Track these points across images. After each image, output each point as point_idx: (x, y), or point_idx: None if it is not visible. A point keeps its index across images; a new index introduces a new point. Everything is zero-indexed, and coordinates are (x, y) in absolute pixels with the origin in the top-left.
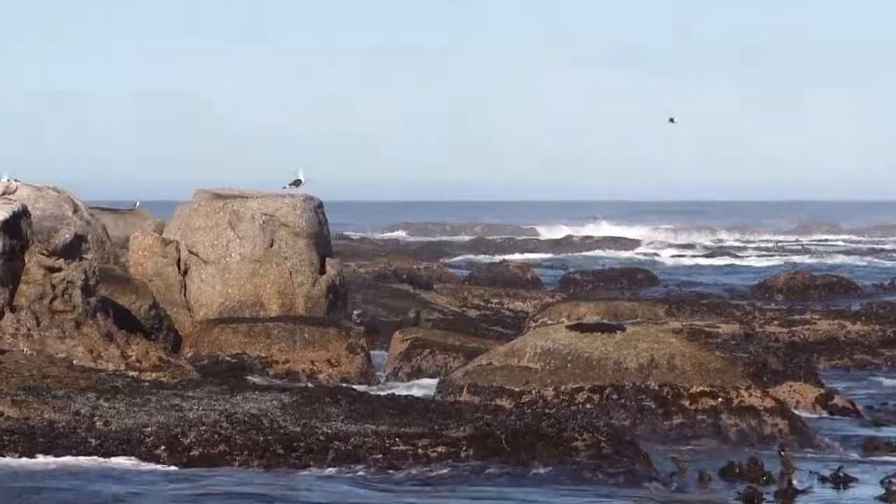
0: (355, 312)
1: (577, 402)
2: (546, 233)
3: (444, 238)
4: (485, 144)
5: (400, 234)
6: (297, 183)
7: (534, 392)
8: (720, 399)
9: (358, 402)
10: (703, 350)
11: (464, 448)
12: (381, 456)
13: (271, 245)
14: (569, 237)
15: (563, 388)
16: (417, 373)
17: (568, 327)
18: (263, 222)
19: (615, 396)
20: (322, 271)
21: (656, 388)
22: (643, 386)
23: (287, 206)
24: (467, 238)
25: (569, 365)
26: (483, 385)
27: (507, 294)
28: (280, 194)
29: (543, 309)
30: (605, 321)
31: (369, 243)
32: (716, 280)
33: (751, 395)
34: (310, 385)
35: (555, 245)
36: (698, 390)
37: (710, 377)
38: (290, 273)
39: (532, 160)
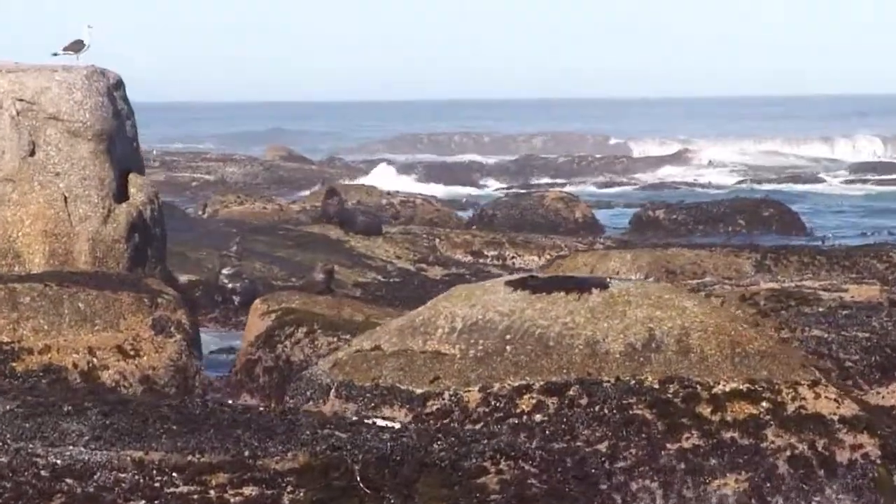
0: (224, 271)
1: (519, 410)
2: (644, 149)
3: (472, 157)
4: None
5: (395, 155)
6: (76, 46)
7: (447, 395)
8: (764, 403)
9: (118, 413)
10: (741, 322)
11: (289, 489)
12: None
13: (32, 153)
14: (682, 153)
15: (496, 387)
16: (286, 367)
17: (509, 284)
18: (18, 114)
19: (584, 401)
20: (121, 197)
21: (656, 385)
22: (634, 382)
23: (59, 85)
24: (510, 158)
25: (508, 348)
26: (362, 384)
27: (512, 242)
28: (48, 66)
29: (551, 264)
30: (640, 279)
31: (338, 167)
32: None
33: (818, 395)
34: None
35: (655, 167)
36: (728, 389)
37: (750, 366)
38: (66, 200)
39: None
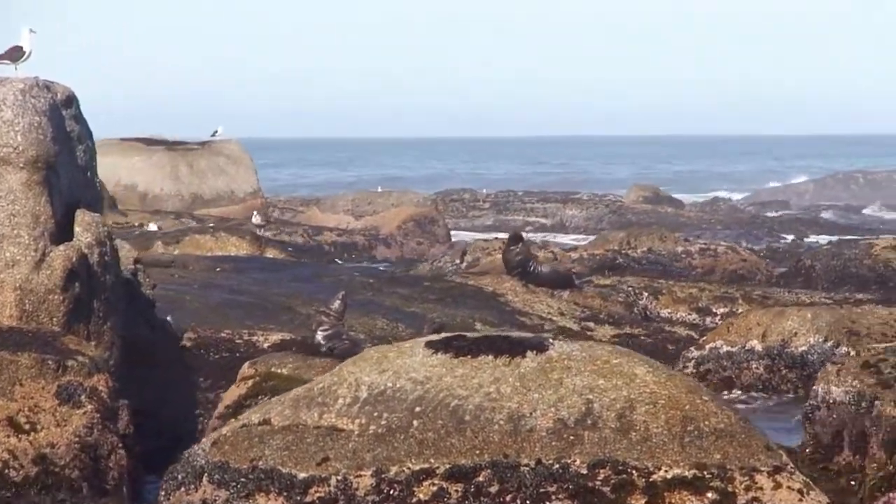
0: (320, 331)
1: (415, 500)
2: None
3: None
4: None
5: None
6: (14, 54)
7: (334, 480)
8: (710, 494)
9: None
10: (702, 394)
11: None
12: None
13: None
14: None
15: (393, 471)
16: None
17: (429, 345)
18: None
19: (494, 489)
20: (61, 237)
21: (583, 470)
22: (558, 467)
23: None
24: None
25: (415, 423)
26: (238, 466)
27: (747, 298)
28: None
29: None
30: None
31: (719, 213)
32: None
33: (778, 485)
34: None
35: None
36: (669, 475)
37: (701, 448)
38: None
39: None
